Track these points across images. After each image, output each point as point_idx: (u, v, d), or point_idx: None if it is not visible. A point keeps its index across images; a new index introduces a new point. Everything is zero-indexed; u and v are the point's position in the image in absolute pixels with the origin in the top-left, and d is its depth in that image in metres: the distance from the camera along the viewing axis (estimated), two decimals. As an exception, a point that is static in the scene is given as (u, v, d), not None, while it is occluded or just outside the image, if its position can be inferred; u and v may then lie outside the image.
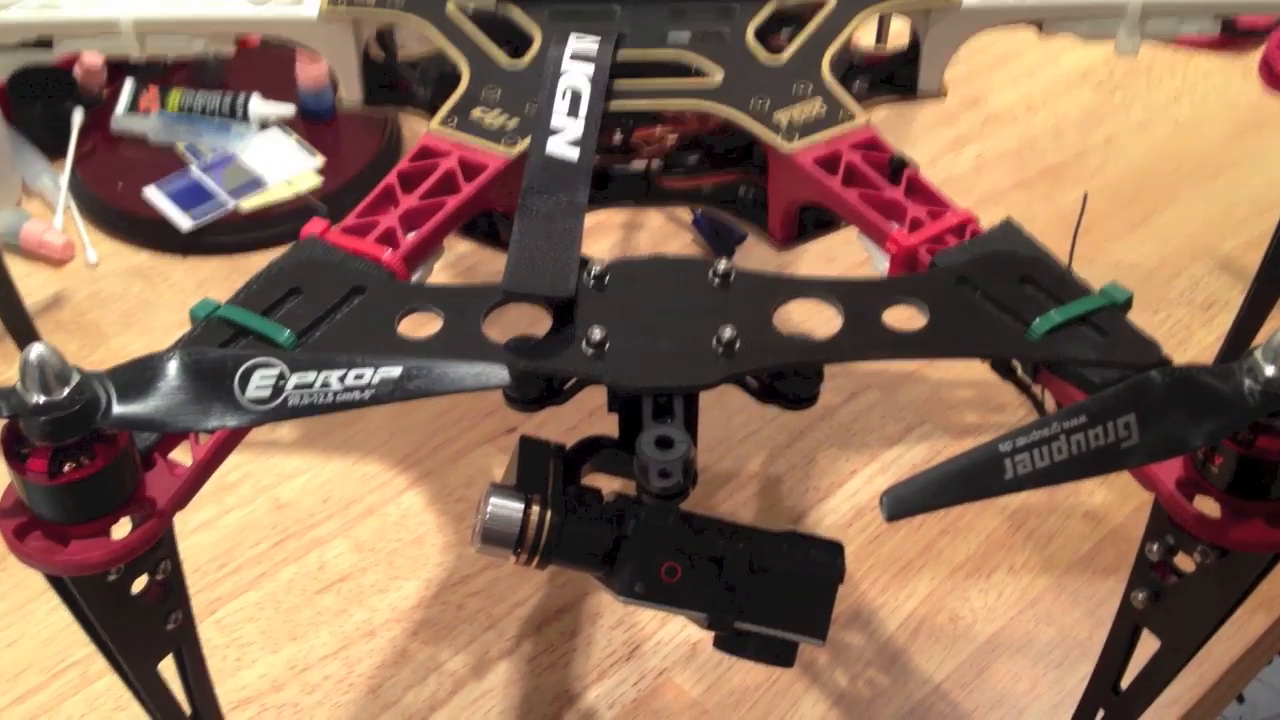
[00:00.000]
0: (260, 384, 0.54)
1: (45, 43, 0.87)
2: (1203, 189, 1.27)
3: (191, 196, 1.21)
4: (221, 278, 1.17)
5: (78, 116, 1.27)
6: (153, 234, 1.20)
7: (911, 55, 0.88)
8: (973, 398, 1.07)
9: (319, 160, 1.25)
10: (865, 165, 0.73)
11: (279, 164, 1.24)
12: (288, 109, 1.28)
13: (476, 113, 0.77)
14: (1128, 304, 0.65)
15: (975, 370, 1.07)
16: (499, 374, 0.55)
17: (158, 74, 1.32)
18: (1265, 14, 0.87)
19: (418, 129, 1.34)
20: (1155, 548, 0.62)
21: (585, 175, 0.71)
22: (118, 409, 0.54)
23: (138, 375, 0.54)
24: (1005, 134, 1.33)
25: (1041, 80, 1.40)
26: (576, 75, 0.75)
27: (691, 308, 0.64)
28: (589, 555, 0.65)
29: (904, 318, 0.65)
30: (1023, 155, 1.31)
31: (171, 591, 0.63)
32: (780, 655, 0.65)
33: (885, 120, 1.34)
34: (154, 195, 1.21)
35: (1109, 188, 1.26)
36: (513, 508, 0.64)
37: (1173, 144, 1.32)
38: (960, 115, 1.36)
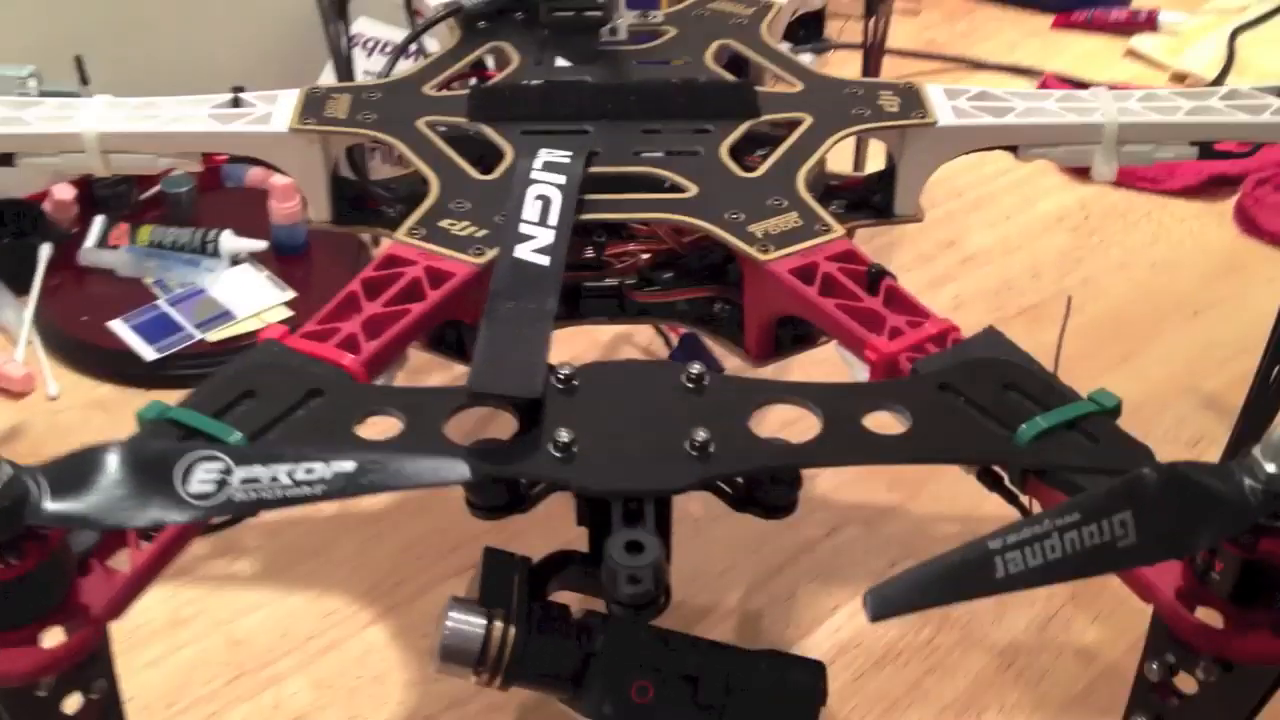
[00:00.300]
0: (204, 478, 0.51)
1: (6, 160, 0.85)
2: (1183, 329, 1.26)
3: (157, 329, 1.19)
4: (185, 411, 1.14)
5: (45, 251, 1.25)
6: (116, 365, 1.17)
7: (887, 178, 0.87)
8: (958, 532, 1.03)
9: (289, 294, 1.23)
10: (842, 276, 0.71)
11: (249, 298, 1.22)
12: (259, 244, 1.27)
13: (444, 223, 0.75)
14: (1117, 410, 0.62)
15: (960, 503, 1.05)
16: (458, 469, 0.53)
17: (128, 210, 1.31)
18: (1240, 139, 0.86)
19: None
20: (1155, 667, 0.58)
21: (555, 281, 0.68)
22: (50, 505, 0.50)
23: (73, 469, 0.51)
24: (983, 274, 1.33)
25: (1018, 224, 1.40)
26: (547, 184, 0.74)
27: (664, 411, 0.61)
28: (555, 675, 0.61)
29: (885, 423, 0.63)
30: (1001, 295, 1.30)
31: (108, 716, 0.58)
32: (759, 785, 0.61)
33: (865, 246, 1.33)
34: (119, 328, 1.19)
35: (1089, 326, 1.25)
36: (474, 623, 0.61)
37: (1151, 285, 1.32)
38: (938, 256, 1.35)
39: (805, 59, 1.62)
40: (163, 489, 0.50)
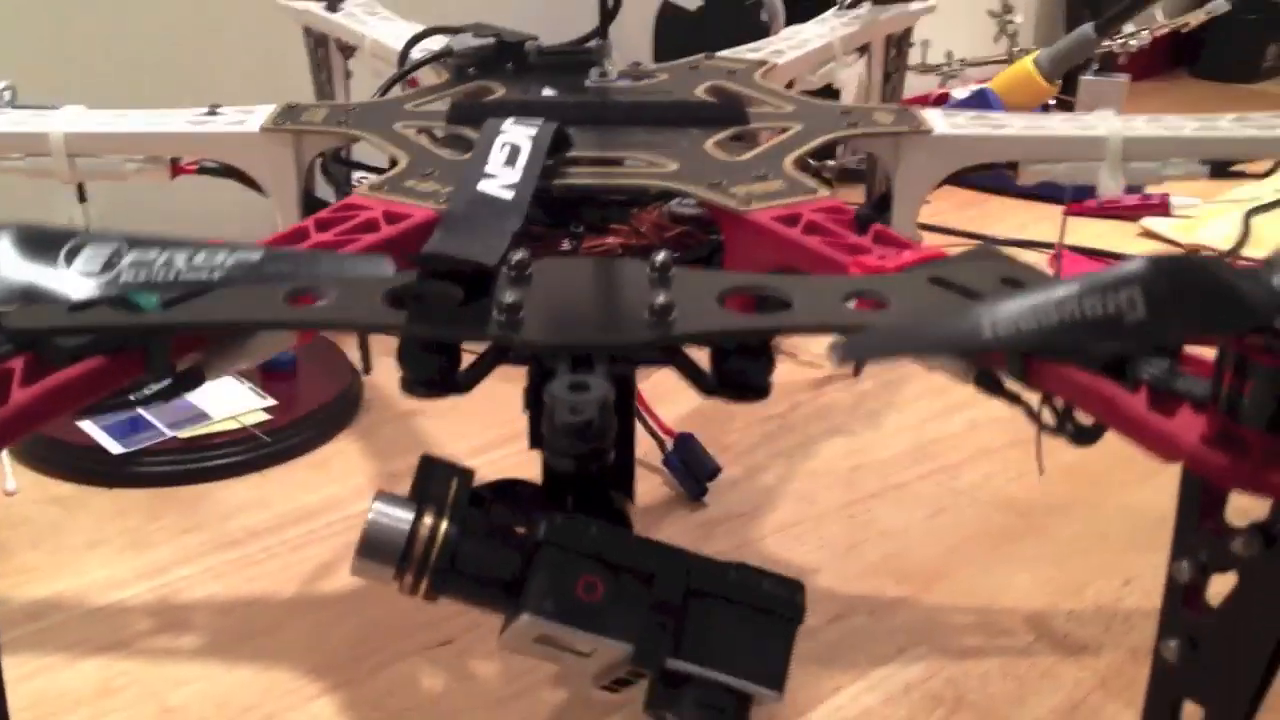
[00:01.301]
0: (92, 256, 0.45)
1: (-31, 163, 0.83)
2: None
3: (127, 428, 1.13)
4: (145, 508, 1.07)
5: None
6: (80, 461, 1.11)
7: (883, 202, 0.83)
8: (975, 623, 0.94)
9: (270, 401, 1.18)
10: (829, 221, 0.66)
11: (227, 403, 1.17)
12: (244, 356, 1.22)
13: (409, 183, 0.71)
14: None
15: (977, 595, 0.96)
16: (381, 265, 0.47)
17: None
18: (1251, 156, 0.82)
19: (379, 384, 1.29)
20: (1185, 566, 0.50)
21: (519, 213, 0.64)
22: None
23: None
24: (998, 404, 1.26)
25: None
26: (516, 137, 0.70)
27: (623, 286, 0.55)
28: (490, 580, 0.53)
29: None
30: (1016, 420, 1.23)
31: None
32: (725, 714, 0.52)
33: (869, 383, 1.29)
34: (87, 426, 1.13)
35: (1111, 448, 1.17)
36: (399, 516, 0.53)
37: (1175, 416, 1.25)
38: (951, 389, 1.28)
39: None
40: (46, 264, 0.45)
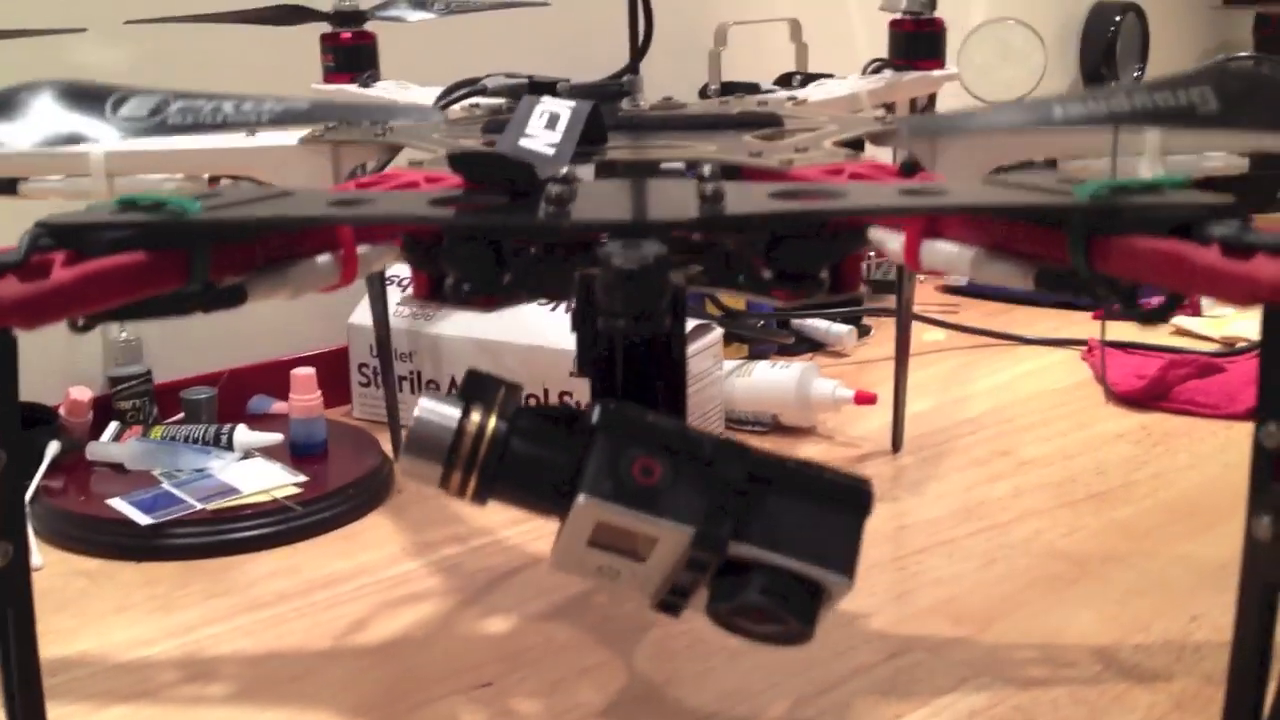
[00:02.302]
0: (139, 105, 0.45)
1: (10, 186, 0.83)
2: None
3: (157, 502, 1.11)
4: (173, 578, 1.04)
5: (52, 447, 1.20)
6: (108, 534, 1.09)
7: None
8: (1038, 657, 0.90)
9: (300, 478, 1.16)
10: (872, 171, 0.66)
11: (258, 480, 1.15)
12: (274, 438, 1.21)
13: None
14: (1186, 182, 0.54)
15: (1035, 634, 0.91)
16: (431, 112, 0.46)
17: (143, 417, 1.27)
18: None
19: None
20: (1274, 429, 0.48)
21: (561, 166, 0.63)
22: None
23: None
24: (1043, 473, 1.23)
25: (1076, 439, 1.32)
26: (555, 105, 0.70)
27: (672, 189, 0.54)
28: (541, 478, 0.51)
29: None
30: (1064, 486, 1.20)
31: (3, 504, 0.48)
32: (794, 602, 0.49)
33: (908, 459, 1.26)
34: (116, 503, 1.11)
35: (1163, 507, 1.15)
36: (447, 413, 0.51)
37: (1227, 479, 1.22)
38: (992, 460, 1.27)
39: (841, 329, 1.62)
40: (90, 113, 0.44)
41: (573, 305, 0.59)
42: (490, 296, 0.54)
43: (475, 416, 0.51)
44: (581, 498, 0.48)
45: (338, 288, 0.60)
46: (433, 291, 0.71)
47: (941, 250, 0.58)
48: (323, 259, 0.59)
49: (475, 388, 0.53)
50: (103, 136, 0.44)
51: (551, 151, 0.64)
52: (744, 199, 0.52)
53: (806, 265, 0.53)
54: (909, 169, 0.65)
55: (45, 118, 0.44)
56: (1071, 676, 0.87)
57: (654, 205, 0.53)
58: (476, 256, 0.53)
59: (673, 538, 0.49)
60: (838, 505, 0.50)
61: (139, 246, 0.51)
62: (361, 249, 0.61)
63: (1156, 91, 0.42)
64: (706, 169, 0.56)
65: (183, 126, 0.45)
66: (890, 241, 0.62)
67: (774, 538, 0.49)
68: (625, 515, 0.48)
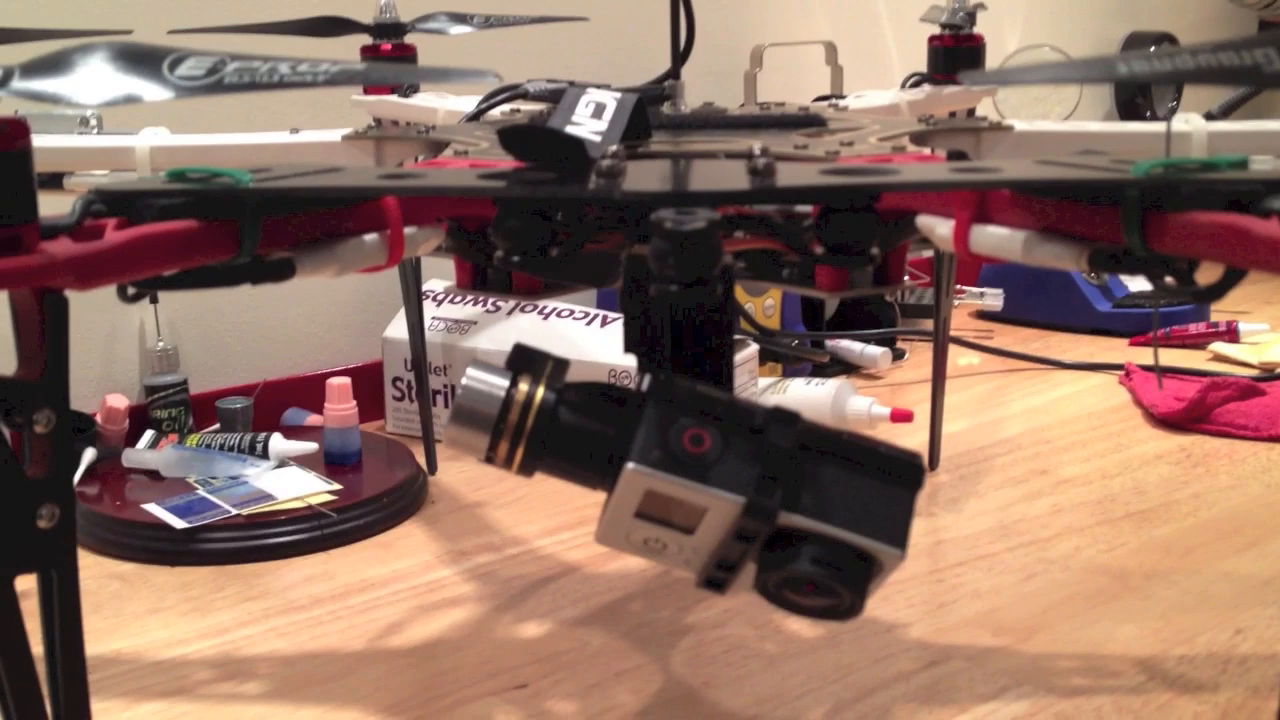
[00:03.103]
0: (195, 65, 0.45)
1: (56, 180, 0.84)
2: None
3: (192, 508, 1.11)
4: (208, 582, 1.04)
5: (88, 455, 1.20)
6: (142, 538, 1.09)
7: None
8: (1080, 667, 0.88)
9: (334, 486, 1.16)
10: (920, 160, 0.65)
11: (291, 486, 1.15)
12: (309, 447, 1.21)
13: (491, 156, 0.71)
14: (1243, 162, 0.54)
15: (1078, 645, 0.90)
16: (487, 76, 0.46)
17: (179, 426, 1.28)
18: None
19: (444, 482, 1.26)
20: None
21: (610, 146, 0.63)
22: (19, 83, 0.44)
23: (51, 59, 0.45)
24: (1081, 492, 1.22)
25: (1115, 460, 1.31)
26: (601, 96, 0.70)
27: (722, 165, 0.54)
28: (589, 449, 0.50)
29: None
30: (1104, 504, 1.19)
31: (52, 464, 0.48)
32: (846, 573, 0.48)
33: (945, 476, 1.24)
34: (152, 508, 1.11)
35: (1205, 526, 1.13)
36: (495, 382, 0.51)
37: (1269, 498, 1.20)
38: (1030, 479, 1.25)
39: (875, 351, 1.61)
40: (147, 73, 0.44)
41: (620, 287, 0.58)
42: (536, 279, 0.54)
43: (524, 386, 0.51)
44: (630, 466, 0.48)
45: (384, 268, 0.60)
46: (475, 281, 0.71)
47: (992, 234, 0.58)
48: (370, 238, 0.59)
49: (523, 360, 0.52)
50: (159, 95, 0.44)
51: (599, 138, 0.64)
52: (795, 175, 0.52)
53: (858, 237, 0.53)
54: (957, 157, 0.65)
55: (102, 77, 0.45)
56: (1115, 686, 0.85)
57: (704, 179, 0.53)
58: (527, 227, 0.53)
59: (722, 508, 0.48)
60: (890, 478, 0.49)
61: (190, 215, 0.51)
62: (408, 230, 0.61)
63: (1221, 51, 0.41)
64: (756, 147, 0.56)
65: (239, 85, 0.45)
66: (939, 227, 0.61)
67: (825, 508, 0.48)
68: (674, 484, 0.48)
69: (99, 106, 0.45)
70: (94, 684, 0.88)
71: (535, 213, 0.53)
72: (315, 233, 0.57)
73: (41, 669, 0.54)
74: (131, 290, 0.52)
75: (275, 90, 0.44)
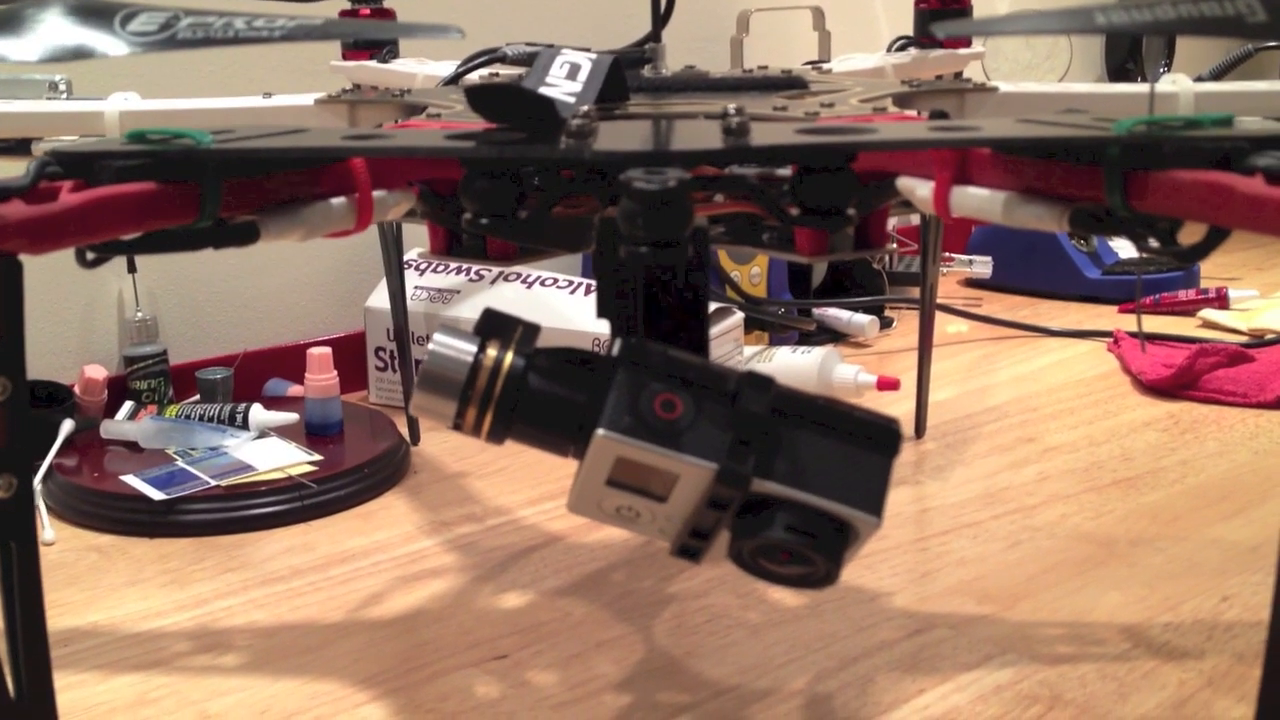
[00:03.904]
0: (148, 22, 0.43)
1: (24, 146, 0.82)
2: (1301, 496, 1.13)
3: (170, 479, 1.10)
4: (187, 554, 1.03)
5: (66, 426, 1.19)
6: (120, 509, 1.07)
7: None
8: (1065, 634, 0.88)
9: (315, 457, 1.15)
10: (901, 120, 0.64)
11: (273, 458, 1.14)
12: (289, 418, 1.20)
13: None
14: (1227, 120, 0.53)
15: (1062, 613, 0.89)
16: (451, 31, 0.45)
17: (158, 398, 1.26)
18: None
19: (427, 453, 1.25)
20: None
21: (583, 107, 0.62)
22: (-36, 39, 0.43)
23: (2, 15, 0.44)
24: (1068, 459, 1.21)
25: (1102, 427, 1.30)
26: (576, 56, 0.69)
27: (696, 124, 0.53)
28: (560, 418, 0.49)
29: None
30: (1090, 471, 1.18)
31: (10, 434, 0.47)
32: (820, 540, 0.47)
33: (931, 444, 1.24)
34: (130, 479, 1.10)
35: (1192, 492, 1.13)
36: (462, 347, 0.50)
37: (1256, 465, 1.19)
38: (1017, 447, 1.25)
39: (863, 319, 1.60)
40: (100, 28, 0.43)
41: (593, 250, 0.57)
42: (510, 244, 0.53)
43: (492, 351, 0.49)
44: (601, 433, 0.47)
45: (353, 233, 0.59)
46: (449, 247, 0.70)
47: (972, 195, 0.57)
48: (337, 201, 0.57)
49: (492, 325, 0.51)
50: (112, 50, 0.43)
51: (572, 99, 0.63)
52: (769, 134, 0.51)
53: (835, 198, 0.51)
54: (938, 116, 0.63)
55: (52, 32, 0.43)
56: (1099, 653, 0.85)
57: (677, 139, 0.52)
58: (495, 189, 0.51)
59: (694, 474, 0.47)
60: (866, 443, 0.48)
61: (148, 177, 0.50)
62: (378, 194, 0.60)
63: (1203, 1, 0.40)
64: (731, 107, 0.54)
65: (193, 41, 0.44)
66: (919, 189, 0.60)
67: (800, 475, 0.47)
68: (646, 451, 0.47)
69: (48, 63, 0.44)
70: (70, 656, 0.88)
71: (505, 174, 0.51)
72: (282, 196, 0.55)
73: (1, 644, 0.52)
74: (90, 255, 0.51)
75: (230, 46, 0.43)
